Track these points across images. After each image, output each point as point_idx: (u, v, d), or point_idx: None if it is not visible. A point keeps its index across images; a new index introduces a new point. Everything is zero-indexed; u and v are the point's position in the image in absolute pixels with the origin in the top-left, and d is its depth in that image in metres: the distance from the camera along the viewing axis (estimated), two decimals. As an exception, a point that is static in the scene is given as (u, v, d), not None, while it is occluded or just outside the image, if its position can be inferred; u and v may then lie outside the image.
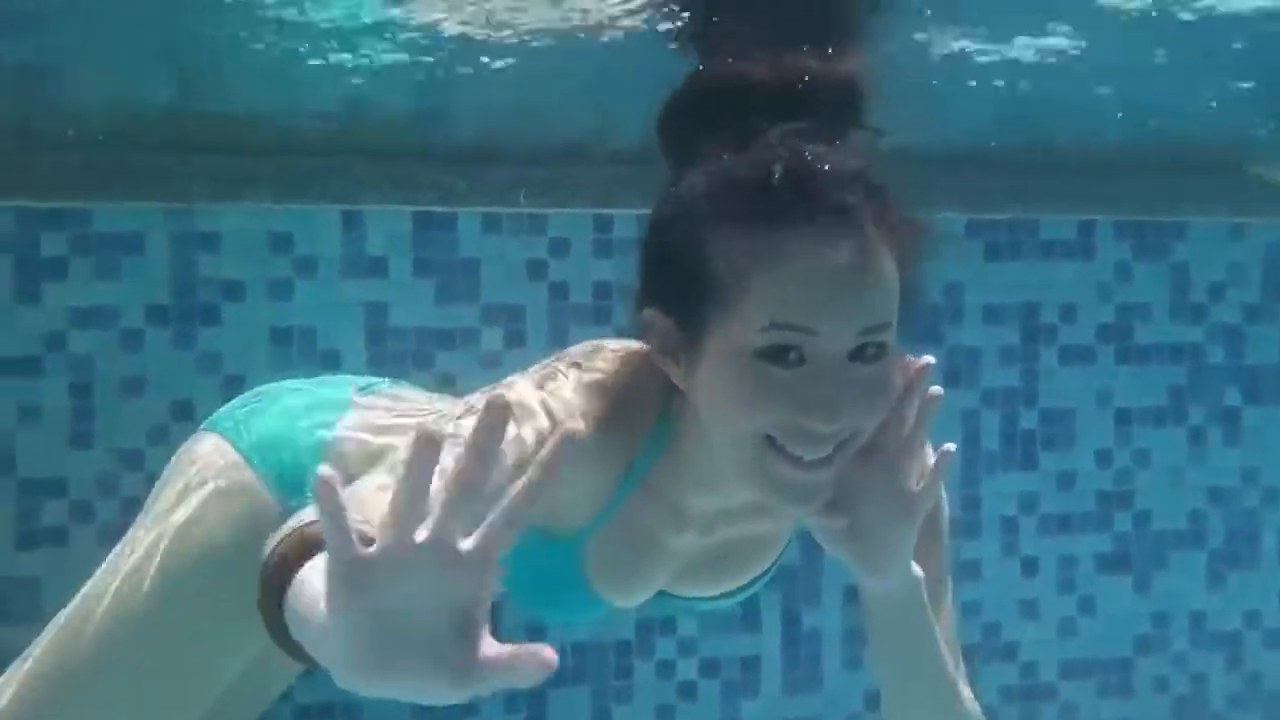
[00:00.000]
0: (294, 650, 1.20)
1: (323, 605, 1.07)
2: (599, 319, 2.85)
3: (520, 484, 1.07)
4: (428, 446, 1.03)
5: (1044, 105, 2.93)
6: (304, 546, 1.22)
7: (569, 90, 2.63)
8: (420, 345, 2.83)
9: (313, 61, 2.18)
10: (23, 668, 1.94)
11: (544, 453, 1.08)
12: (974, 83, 2.47)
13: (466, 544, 1.05)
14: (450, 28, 2.03)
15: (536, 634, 2.89)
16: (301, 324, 2.77)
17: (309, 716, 2.74)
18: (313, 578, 1.14)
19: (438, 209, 2.87)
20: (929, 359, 1.65)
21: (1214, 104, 2.82)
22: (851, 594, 3.01)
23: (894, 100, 1.77)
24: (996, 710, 3.12)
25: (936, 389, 1.66)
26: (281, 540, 1.24)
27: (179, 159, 2.81)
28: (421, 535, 1.04)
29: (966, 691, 1.85)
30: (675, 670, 2.96)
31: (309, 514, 1.25)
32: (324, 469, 1.01)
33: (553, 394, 1.67)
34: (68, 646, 1.93)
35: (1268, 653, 3.33)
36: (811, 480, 1.58)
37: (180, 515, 1.98)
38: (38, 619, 1.98)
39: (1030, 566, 3.18)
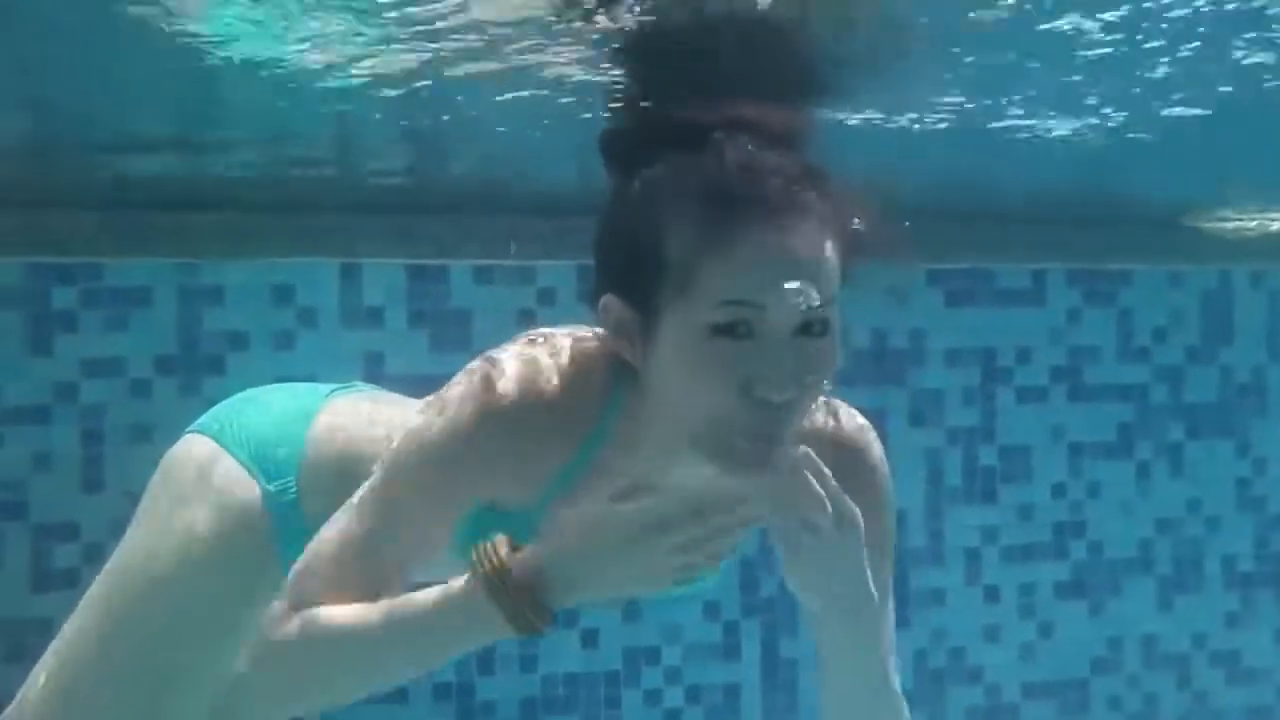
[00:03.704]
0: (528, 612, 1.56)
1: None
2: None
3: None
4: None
5: (998, 165, 2.96)
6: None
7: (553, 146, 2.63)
8: (416, 393, 2.80)
9: (308, 112, 2.16)
10: (42, 667, 2.01)
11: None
12: (930, 140, 2.49)
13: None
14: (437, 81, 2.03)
15: (528, 661, 2.86)
16: (303, 373, 2.73)
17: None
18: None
19: (431, 262, 2.86)
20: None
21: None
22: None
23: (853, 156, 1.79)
24: (963, 730, 3.14)
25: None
26: (488, 561, 1.58)
27: (184, 216, 2.79)
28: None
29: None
30: (662, 698, 2.94)
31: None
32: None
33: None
34: (78, 647, 2.00)
35: (1214, 672, 3.36)
36: (759, 452, 1.59)
37: (175, 510, 2.02)
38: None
39: (992, 594, 3.19)
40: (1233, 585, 3.37)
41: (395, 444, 1.75)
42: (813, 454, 1.58)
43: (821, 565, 1.59)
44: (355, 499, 1.73)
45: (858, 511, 1.59)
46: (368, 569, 1.67)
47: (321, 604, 1.65)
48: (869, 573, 1.63)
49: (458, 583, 1.60)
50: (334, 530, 1.71)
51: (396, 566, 1.68)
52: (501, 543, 1.60)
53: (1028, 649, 3.21)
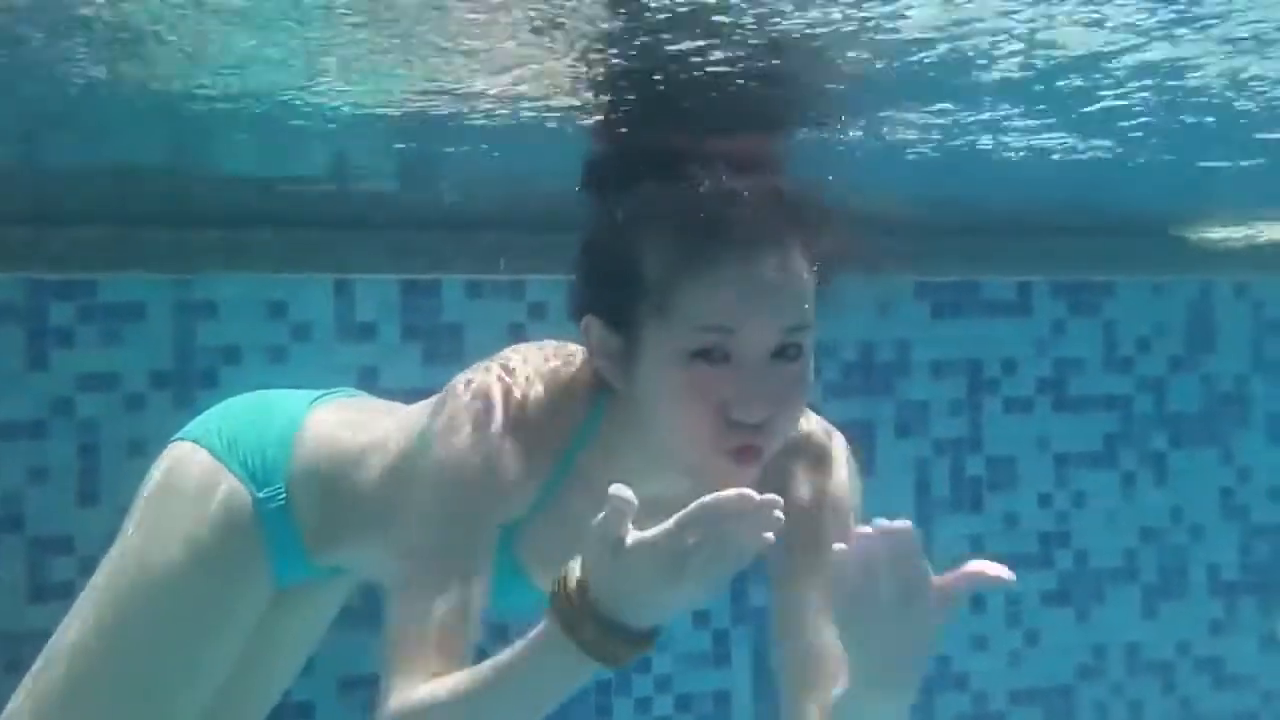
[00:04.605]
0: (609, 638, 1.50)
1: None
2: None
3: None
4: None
5: (984, 175, 2.97)
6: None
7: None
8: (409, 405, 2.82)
9: (298, 126, 2.17)
10: (35, 674, 2.03)
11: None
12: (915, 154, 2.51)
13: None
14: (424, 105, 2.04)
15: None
16: (296, 387, 2.75)
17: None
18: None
19: (424, 277, 2.87)
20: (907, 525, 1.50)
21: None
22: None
23: (841, 172, 1.80)
24: (951, 739, 3.15)
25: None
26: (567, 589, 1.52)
27: (179, 233, 2.80)
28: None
29: None
30: (652, 706, 2.95)
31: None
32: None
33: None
34: (69, 655, 2.01)
35: (1198, 678, 3.37)
36: (740, 471, 1.61)
37: (164, 517, 2.06)
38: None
39: (979, 602, 3.20)
40: (1217, 593, 3.38)
41: (419, 504, 1.74)
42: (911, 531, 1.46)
43: (878, 630, 1.49)
44: (406, 576, 1.70)
45: (931, 599, 1.48)
46: (451, 629, 1.65)
47: (418, 685, 1.62)
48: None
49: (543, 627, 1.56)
50: (404, 611, 1.68)
51: (474, 614, 1.67)
52: (573, 577, 1.53)
53: (1014, 656, 3.22)
